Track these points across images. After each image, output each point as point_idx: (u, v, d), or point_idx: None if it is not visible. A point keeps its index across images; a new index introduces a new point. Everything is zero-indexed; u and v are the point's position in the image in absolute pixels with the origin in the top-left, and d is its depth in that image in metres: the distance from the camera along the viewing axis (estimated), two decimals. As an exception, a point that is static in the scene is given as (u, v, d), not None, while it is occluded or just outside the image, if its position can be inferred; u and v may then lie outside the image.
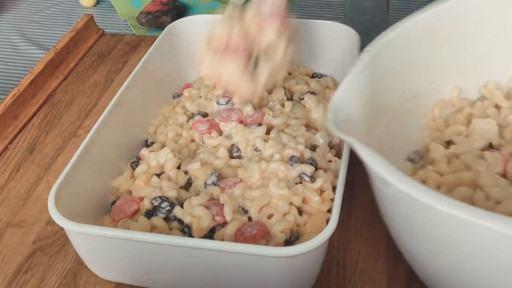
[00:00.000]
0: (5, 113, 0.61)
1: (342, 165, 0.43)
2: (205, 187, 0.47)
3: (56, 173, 0.56)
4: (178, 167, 0.49)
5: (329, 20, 0.62)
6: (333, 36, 0.61)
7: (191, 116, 0.56)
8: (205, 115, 0.55)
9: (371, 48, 0.42)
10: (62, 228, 0.42)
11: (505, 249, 0.29)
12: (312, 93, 0.55)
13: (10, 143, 0.60)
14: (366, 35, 0.80)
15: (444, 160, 0.46)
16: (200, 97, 0.58)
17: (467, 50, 0.49)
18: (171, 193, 0.46)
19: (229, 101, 0.54)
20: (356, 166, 0.54)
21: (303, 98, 0.55)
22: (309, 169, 0.46)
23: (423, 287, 0.43)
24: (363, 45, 0.58)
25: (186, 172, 0.49)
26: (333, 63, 0.61)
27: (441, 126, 0.49)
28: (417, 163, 0.47)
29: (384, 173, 0.31)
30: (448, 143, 0.48)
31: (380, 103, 0.43)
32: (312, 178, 0.45)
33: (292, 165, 0.46)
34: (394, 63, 0.44)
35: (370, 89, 0.41)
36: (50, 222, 0.50)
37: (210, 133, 0.53)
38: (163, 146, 0.52)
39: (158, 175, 0.49)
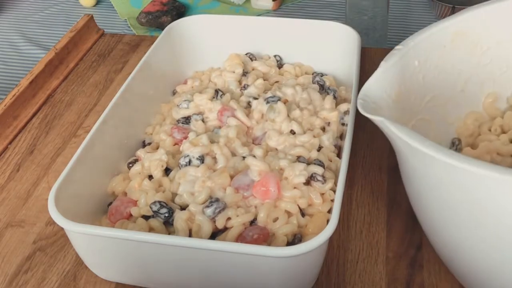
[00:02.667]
0: (5, 113, 0.61)
1: (343, 165, 0.43)
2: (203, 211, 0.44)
3: (56, 173, 0.56)
4: (167, 170, 0.49)
5: (329, 20, 0.62)
6: (333, 36, 0.61)
7: (177, 121, 0.55)
8: (186, 121, 0.54)
9: (401, 47, 0.42)
10: (62, 228, 0.42)
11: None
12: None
13: (10, 143, 0.60)
14: (366, 35, 0.80)
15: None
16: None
17: (499, 59, 0.48)
18: (158, 198, 0.45)
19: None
20: (356, 165, 0.54)
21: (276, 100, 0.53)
22: (320, 170, 0.46)
23: (422, 287, 0.43)
24: (363, 45, 0.58)
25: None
26: (333, 63, 0.61)
27: (474, 132, 0.49)
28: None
29: (420, 146, 0.32)
30: None
31: (408, 103, 0.43)
32: (324, 178, 0.45)
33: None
34: (423, 66, 0.44)
35: (399, 86, 0.41)
36: (50, 222, 0.50)
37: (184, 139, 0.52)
38: (158, 147, 0.52)
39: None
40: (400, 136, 0.34)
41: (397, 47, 0.42)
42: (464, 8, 0.46)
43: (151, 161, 0.49)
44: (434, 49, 0.45)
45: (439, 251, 0.41)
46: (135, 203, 0.46)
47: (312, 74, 0.61)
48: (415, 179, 0.38)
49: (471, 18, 0.46)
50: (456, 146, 0.48)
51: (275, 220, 0.44)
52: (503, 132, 0.49)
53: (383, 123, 0.35)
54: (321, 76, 0.59)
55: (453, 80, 0.48)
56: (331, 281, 0.44)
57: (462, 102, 0.49)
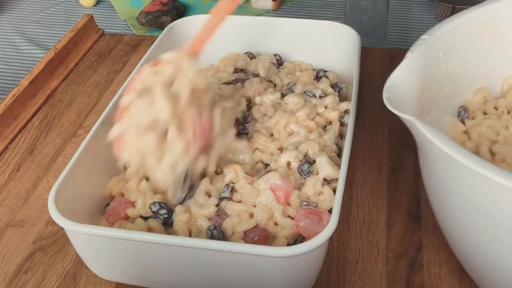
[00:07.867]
0: (5, 113, 0.61)
1: (343, 165, 0.43)
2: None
3: (56, 173, 0.56)
4: None
5: (329, 20, 0.62)
6: (333, 36, 0.61)
7: None
8: None
9: (427, 37, 0.42)
10: (62, 228, 0.42)
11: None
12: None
13: (10, 143, 0.60)
14: (366, 35, 0.80)
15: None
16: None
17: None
18: (157, 199, 0.45)
19: None
20: (356, 165, 0.54)
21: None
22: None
23: (422, 287, 0.43)
24: (363, 45, 0.58)
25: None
26: (333, 63, 0.61)
27: (481, 107, 0.49)
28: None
29: (454, 154, 0.32)
30: None
31: (429, 93, 0.43)
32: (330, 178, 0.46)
33: (303, 164, 0.46)
34: (447, 57, 0.44)
35: (423, 77, 0.41)
36: (50, 222, 0.50)
37: None
38: None
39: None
40: (431, 140, 0.33)
41: (423, 36, 0.42)
42: (464, 8, 0.47)
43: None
44: (459, 39, 0.45)
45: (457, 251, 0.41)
46: (133, 204, 0.46)
47: (313, 70, 0.61)
48: (442, 184, 0.37)
49: (497, 9, 0.46)
50: (462, 116, 0.48)
51: (276, 224, 0.44)
52: (509, 112, 0.49)
53: (412, 123, 0.34)
54: (324, 74, 0.59)
55: (474, 70, 0.48)
56: (331, 281, 0.44)
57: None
